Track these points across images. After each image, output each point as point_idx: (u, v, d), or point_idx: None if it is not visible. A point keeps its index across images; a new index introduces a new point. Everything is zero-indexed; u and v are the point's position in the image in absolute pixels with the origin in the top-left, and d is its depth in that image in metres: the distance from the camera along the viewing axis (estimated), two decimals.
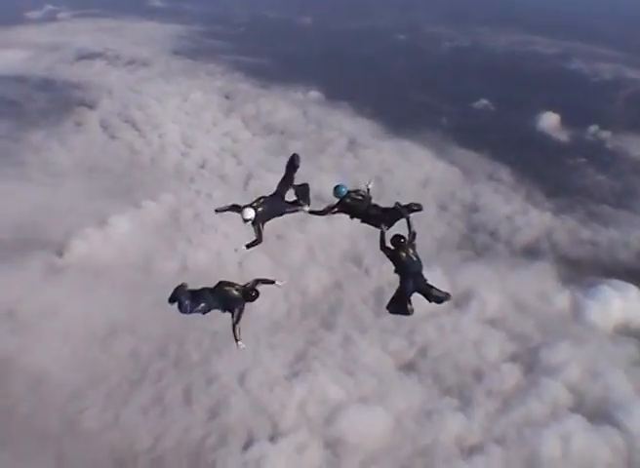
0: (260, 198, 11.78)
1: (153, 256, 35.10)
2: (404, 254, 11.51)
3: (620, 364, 28.14)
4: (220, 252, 35.28)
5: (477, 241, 37.46)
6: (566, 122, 54.21)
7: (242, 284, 11.52)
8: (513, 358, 28.92)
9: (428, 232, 37.05)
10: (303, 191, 12.20)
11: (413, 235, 11.75)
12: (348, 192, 11.87)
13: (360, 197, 11.95)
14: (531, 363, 28.49)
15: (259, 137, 47.18)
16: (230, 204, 11.88)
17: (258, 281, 11.75)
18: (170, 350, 29.30)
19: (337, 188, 11.90)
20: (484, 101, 60.20)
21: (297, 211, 12.13)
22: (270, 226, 33.49)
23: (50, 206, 38.15)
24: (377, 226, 11.83)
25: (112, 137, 46.37)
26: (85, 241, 35.59)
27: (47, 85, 64.56)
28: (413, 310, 11.75)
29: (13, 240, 35.22)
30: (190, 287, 11.52)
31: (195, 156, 45.30)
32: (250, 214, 11.50)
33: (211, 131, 51.01)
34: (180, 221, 38.28)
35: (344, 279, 34.40)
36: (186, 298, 11.28)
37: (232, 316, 11.39)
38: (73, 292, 31.86)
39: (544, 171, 43.92)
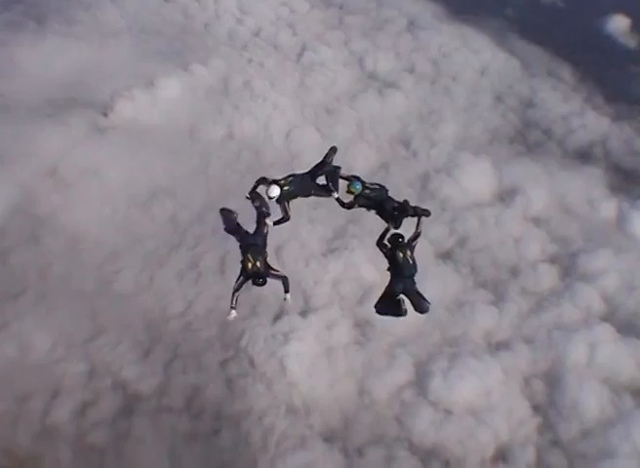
0: (290, 176, 10.96)
1: (199, 122, 34.39)
2: (401, 255, 10.78)
3: None
4: (268, 121, 34.47)
5: (530, 137, 35.90)
6: (636, 27, 50.28)
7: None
8: (552, 259, 28.38)
9: (481, 122, 36.15)
10: (334, 176, 11.16)
11: (416, 235, 11.05)
12: (364, 185, 10.97)
13: (377, 187, 11.16)
14: (569, 267, 27.96)
15: (316, 9, 44.78)
16: (259, 177, 11.06)
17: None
18: (208, 217, 28.77)
19: (350, 185, 10.90)
20: None
21: (323, 196, 11.23)
22: (321, 100, 32.34)
23: (98, 65, 37.00)
24: (387, 221, 11.18)
25: (166, 0, 44.52)
26: (131, 102, 34.76)
27: None
28: (406, 311, 10.60)
29: (59, 98, 34.50)
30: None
31: (250, 24, 43.21)
32: (275, 191, 10.72)
33: None
34: (228, 88, 37.05)
35: (391, 160, 33.58)
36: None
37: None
38: (116, 153, 31.46)
39: (607, 75, 41.12)
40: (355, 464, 22.48)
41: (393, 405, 23.77)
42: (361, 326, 25.66)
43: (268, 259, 11.35)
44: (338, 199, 10.98)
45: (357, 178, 10.89)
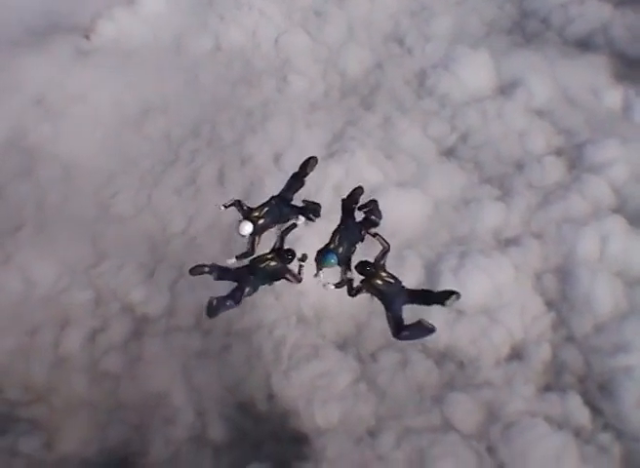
0: (264, 205, 10.31)
1: (185, 36, 33.48)
2: (379, 282, 9.91)
3: None
4: (256, 29, 33.40)
5: (528, 28, 34.50)
6: None
7: (268, 251, 10.27)
8: (558, 152, 27.62)
9: (477, 14, 34.79)
10: (314, 209, 10.88)
11: (383, 253, 10.15)
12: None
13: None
14: (575, 158, 27.22)
15: None
16: (234, 198, 10.42)
17: (282, 236, 10.60)
18: (203, 131, 28.62)
19: (323, 258, 10.10)
20: None
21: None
22: (309, 3, 31.05)
23: None
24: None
25: None
26: (113, 22, 33.79)
27: None
28: (433, 325, 10.01)
29: (39, 26, 33.63)
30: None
31: None
32: (247, 229, 10.07)
33: None
34: None
35: (386, 59, 32.53)
36: (226, 299, 9.88)
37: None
38: (103, 75, 30.59)
39: None
40: (370, 370, 22.33)
41: (406, 309, 23.01)
42: None
43: None
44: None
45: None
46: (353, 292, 10.08)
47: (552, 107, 29.11)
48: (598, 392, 21.68)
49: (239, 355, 22.97)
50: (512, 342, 23.03)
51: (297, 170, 10.87)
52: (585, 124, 28.45)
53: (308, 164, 10.89)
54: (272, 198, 10.51)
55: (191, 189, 27.04)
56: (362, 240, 10.51)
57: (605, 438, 20.78)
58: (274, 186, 26.24)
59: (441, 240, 25.18)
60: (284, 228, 10.60)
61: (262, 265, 10.06)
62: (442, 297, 10.09)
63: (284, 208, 10.53)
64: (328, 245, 10.28)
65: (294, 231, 10.92)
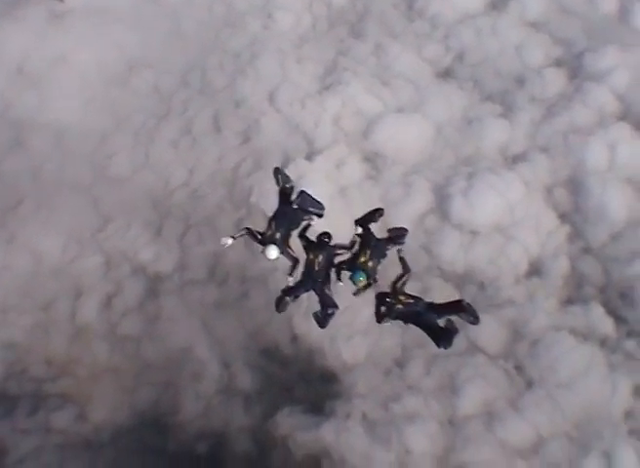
0: (272, 220, 10.04)
1: None
2: (400, 307, 9.53)
3: None
4: None
5: None
6: None
7: (305, 253, 10.12)
8: (557, 63, 26.99)
9: None
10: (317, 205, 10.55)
11: (402, 276, 9.83)
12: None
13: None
14: (576, 68, 26.58)
15: None
16: (244, 229, 10.16)
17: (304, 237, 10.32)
18: (192, 79, 27.94)
19: (353, 276, 9.78)
20: None
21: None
22: None
23: None
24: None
25: None
26: None
27: None
28: (457, 329, 9.76)
29: None
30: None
31: None
32: (273, 253, 9.80)
33: None
34: None
35: None
36: (325, 309, 10.11)
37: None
38: (81, 36, 29.37)
39: None
40: None
41: (418, 234, 23.18)
42: (371, 159, 25.01)
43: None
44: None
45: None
46: (380, 319, 9.82)
47: (547, 18, 28.23)
48: (619, 300, 21.74)
49: (257, 301, 22.79)
50: (530, 258, 22.95)
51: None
52: (583, 32, 27.60)
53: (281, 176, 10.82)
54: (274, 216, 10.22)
55: (188, 140, 26.52)
56: (385, 256, 10.24)
57: (631, 345, 20.87)
58: (272, 127, 26.01)
59: (447, 162, 24.83)
60: (300, 231, 10.35)
61: (316, 268, 10.00)
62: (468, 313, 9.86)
63: (290, 214, 10.23)
64: (356, 258, 9.98)
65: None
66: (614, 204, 22.82)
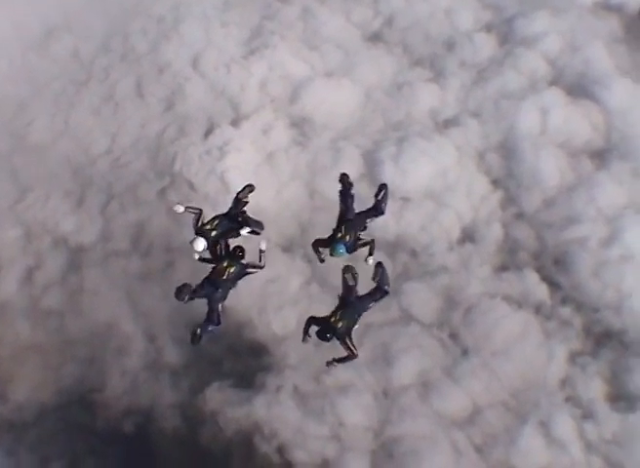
0: (214, 219, 9.81)
1: None
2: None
3: (600, 38, 25.77)
4: None
5: None
6: None
7: (220, 260, 9.81)
8: (487, 28, 26.74)
9: None
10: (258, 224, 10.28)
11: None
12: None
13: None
14: (506, 33, 26.41)
15: None
16: (200, 209, 9.86)
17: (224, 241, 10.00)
18: (114, 44, 27.27)
19: (334, 247, 9.64)
20: None
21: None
22: None
23: None
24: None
25: None
26: None
27: None
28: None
29: None
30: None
31: None
32: (200, 245, 9.55)
33: None
34: None
35: None
36: (207, 325, 9.83)
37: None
38: None
39: None
40: (320, 269, 21.09)
41: None
42: (298, 125, 24.63)
43: None
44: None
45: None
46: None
47: None
48: (554, 266, 21.67)
49: (183, 272, 21.36)
50: (462, 225, 22.76)
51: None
52: None
53: (243, 191, 10.17)
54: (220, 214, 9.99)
55: (110, 107, 25.84)
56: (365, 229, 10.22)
57: (565, 311, 20.87)
58: (196, 93, 25.42)
59: (377, 128, 24.49)
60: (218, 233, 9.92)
61: (224, 277, 9.61)
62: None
63: (231, 222, 9.89)
64: (335, 234, 9.77)
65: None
66: (547, 169, 22.71)
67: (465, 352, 20.43)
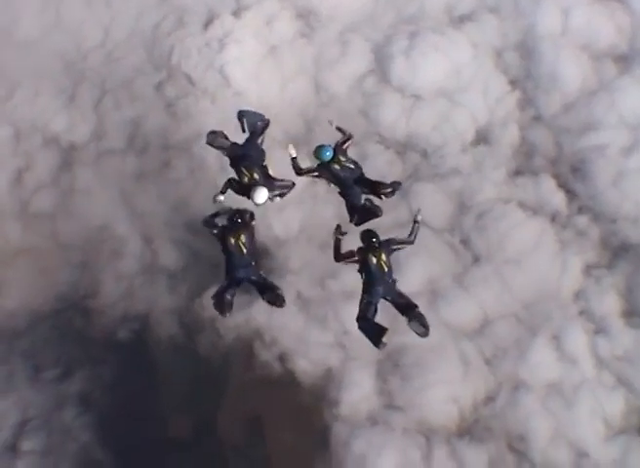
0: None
1: None
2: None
3: None
4: None
5: None
6: None
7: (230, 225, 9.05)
8: None
9: None
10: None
11: (402, 242, 9.29)
12: (335, 156, 9.06)
13: (351, 165, 9.22)
14: None
15: None
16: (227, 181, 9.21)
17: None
18: None
19: (319, 150, 8.98)
20: None
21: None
22: None
23: None
24: (350, 213, 9.20)
25: None
26: None
27: None
28: (385, 344, 8.54)
29: None
30: None
31: None
32: (263, 195, 8.77)
33: None
34: None
35: None
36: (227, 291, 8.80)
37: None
38: None
39: None
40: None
41: (355, 97, 22.19)
42: (304, 16, 23.52)
43: None
44: (294, 159, 9.18)
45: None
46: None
47: None
48: (571, 174, 20.87)
49: (181, 170, 21.72)
50: (477, 126, 21.87)
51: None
52: None
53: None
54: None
55: None
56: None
57: (582, 221, 20.18)
58: None
59: (388, 20, 23.23)
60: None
61: (244, 251, 8.99)
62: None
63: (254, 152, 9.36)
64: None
65: None
66: (567, 71, 21.54)
67: (477, 259, 19.92)
